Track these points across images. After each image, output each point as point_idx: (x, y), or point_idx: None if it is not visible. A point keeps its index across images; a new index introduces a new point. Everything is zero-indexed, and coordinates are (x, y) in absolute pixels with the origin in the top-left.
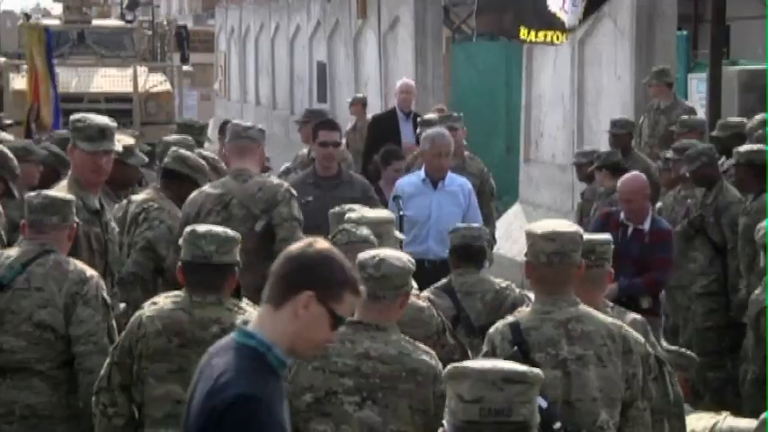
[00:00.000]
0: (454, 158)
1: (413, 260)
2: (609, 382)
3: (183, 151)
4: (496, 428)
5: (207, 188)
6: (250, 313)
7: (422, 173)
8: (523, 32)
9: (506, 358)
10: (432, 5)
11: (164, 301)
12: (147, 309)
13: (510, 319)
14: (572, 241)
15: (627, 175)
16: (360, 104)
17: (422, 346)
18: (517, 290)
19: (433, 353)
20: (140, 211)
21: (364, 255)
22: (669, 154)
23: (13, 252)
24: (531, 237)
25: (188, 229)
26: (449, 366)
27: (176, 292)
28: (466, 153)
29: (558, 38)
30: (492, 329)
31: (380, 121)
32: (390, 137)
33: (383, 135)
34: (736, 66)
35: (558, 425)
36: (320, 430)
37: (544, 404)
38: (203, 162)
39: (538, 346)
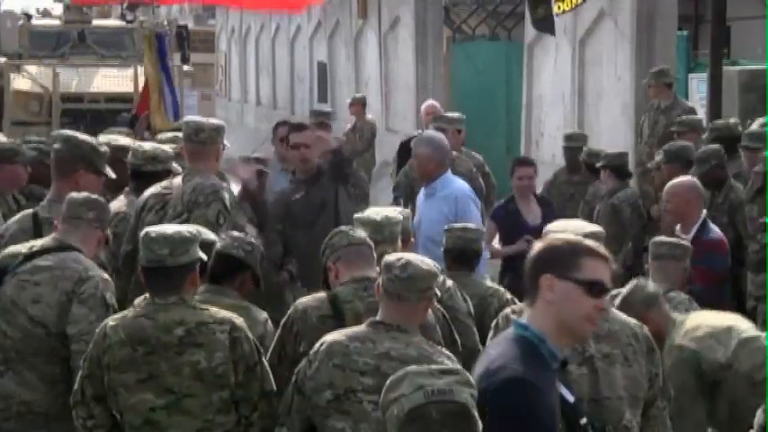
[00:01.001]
0: None
1: (438, 265)
2: (634, 381)
3: (146, 147)
4: (442, 408)
5: (158, 185)
6: (215, 311)
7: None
8: (557, 8)
9: None
10: (432, 5)
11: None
12: (112, 318)
13: None
14: (598, 239)
15: (678, 178)
16: (359, 104)
17: (443, 349)
18: (506, 296)
19: (453, 357)
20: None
21: (391, 256)
22: (659, 157)
23: (37, 243)
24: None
25: (143, 233)
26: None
27: (144, 297)
28: (455, 153)
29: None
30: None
31: (409, 145)
32: None
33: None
34: (737, 66)
35: (584, 420)
36: (339, 427)
37: (572, 399)
38: (168, 149)
39: None
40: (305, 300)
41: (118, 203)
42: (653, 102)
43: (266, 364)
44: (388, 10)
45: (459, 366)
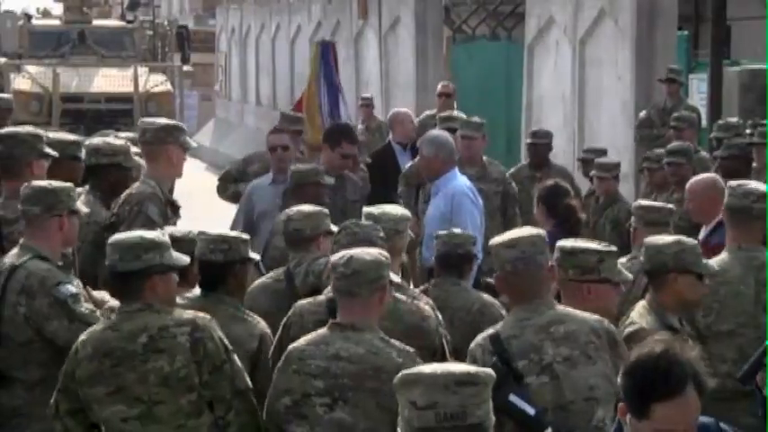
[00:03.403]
0: (473, 166)
1: (386, 254)
2: (603, 378)
3: (94, 141)
4: (452, 431)
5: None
6: (180, 313)
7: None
8: None
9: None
10: (432, 5)
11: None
12: (85, 332)
13: (490, 330)
14: (532, 244)
15: (700, 176)
16: (372, 106)
17: (396, 343)
18: (500, 310)
19: (409, 350)
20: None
21: (335, 255)
22: (666, 158)
23: (7, 259)
24: (492, 248)
25: (109, 241)
26: (400, 374)
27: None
28: (485, 158)
29: None
30: (473, 344)
31: (375, 158)
32: (390, 173)
33: (381, 172)
34: (737, 66)
35: (548, 431)
36: None
37: (532, 412)
38: (122, 143)
39: (519, 354)
40: (305, 302)
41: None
42: (658, 102)
43: (237, 362)
44: (389, 10)
45: (477, 368)
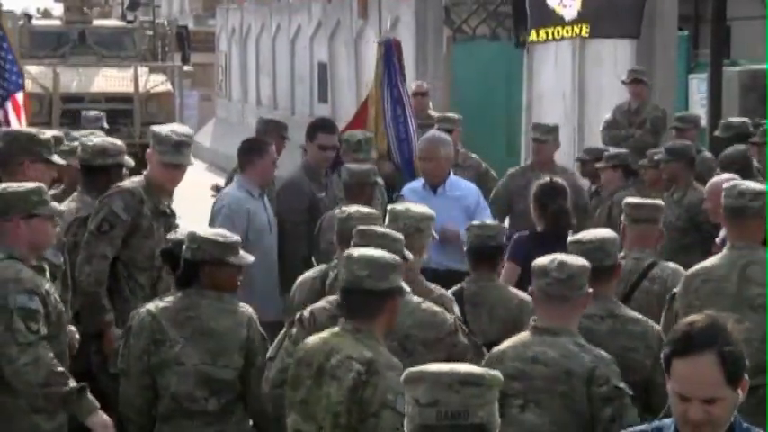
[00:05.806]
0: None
1: (586, 261)
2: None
3: (95, 141)
4: (454, 430)
5: None
6: (370, 349)
7: (423, 178)
8: (535, 36)
9: None
10: (432, 5)
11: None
12: (314, 336)
13: None
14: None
15: (720, 176)
16: None
17: (592, 349)
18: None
19: (604, 355)
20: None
21: (542, 260)
22: (659, 155)
23: None
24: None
25: (345, 253)
26: (406, 371)
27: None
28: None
29: (558, 33)
30: None
31: None
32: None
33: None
34: (737, 66)
35: None
36: None
37: None
38: (118, 142)
39: None
40: (318, 303)
41: (74, 205)
42: (622, 103)
43: (387, 419)
44: (389, 10)
45: (483, 370)
